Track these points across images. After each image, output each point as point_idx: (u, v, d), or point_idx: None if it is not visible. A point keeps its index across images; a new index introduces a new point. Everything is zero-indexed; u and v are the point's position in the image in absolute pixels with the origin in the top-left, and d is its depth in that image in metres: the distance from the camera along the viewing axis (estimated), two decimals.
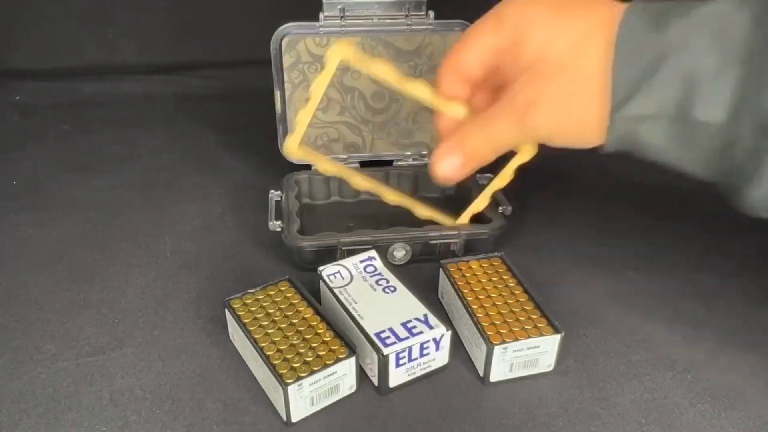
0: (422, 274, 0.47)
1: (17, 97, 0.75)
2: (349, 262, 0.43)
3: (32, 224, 0.52)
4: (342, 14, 0.51)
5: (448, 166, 0.38)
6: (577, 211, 0.55)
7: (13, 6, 0.77)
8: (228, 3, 0.80)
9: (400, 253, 0.47)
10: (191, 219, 0.54)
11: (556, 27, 0.33)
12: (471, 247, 0.48)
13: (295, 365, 0.35)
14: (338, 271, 0.42)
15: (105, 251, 0.49)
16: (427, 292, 0.45)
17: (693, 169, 0.32)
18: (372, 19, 0.52)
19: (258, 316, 0.39)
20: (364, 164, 0.57)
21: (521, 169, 0.42)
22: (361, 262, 0.43)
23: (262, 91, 0.58)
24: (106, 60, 0.80)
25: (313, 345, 0.37)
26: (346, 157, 0.57)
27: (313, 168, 0.56)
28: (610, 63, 0.31)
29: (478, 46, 0.37)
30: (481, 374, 0.38)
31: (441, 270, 0.44)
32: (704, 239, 0.51)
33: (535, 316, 0.39)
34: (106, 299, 0.45)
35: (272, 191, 0.52)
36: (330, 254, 0.47)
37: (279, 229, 0.48)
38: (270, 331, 0.38)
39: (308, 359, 0.36)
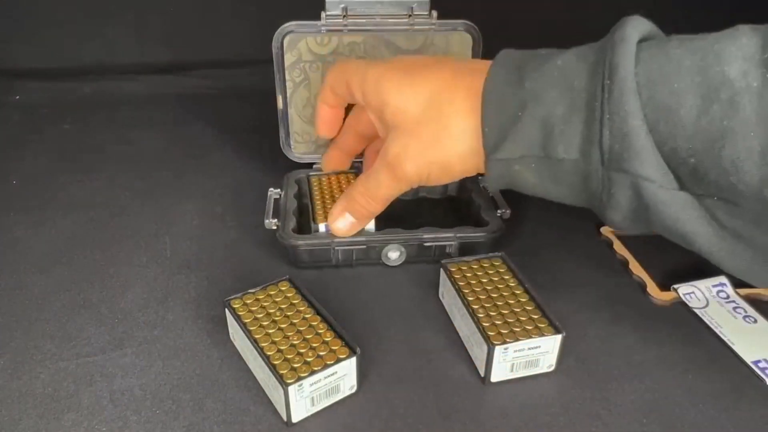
0: (422, 274, 0.47)
1: (17, 97, 0.75)
2: None
3: (32, 224, 0.52)
4: (344, 13, 0.51)
5: (343, 225, 0.46)
6: (577, 211, 0.55)
7: (13, 6, 0.77)
8: (228, 3, 0.80)
9: (394, 254, 0.47)
10: (191, 219, 0.54)
11: (407, 90, 0.40)
12: (467, 250, 0.48)
13: (295, 365, 0.35)
14: None
15: (105, 251, 0.49)
16: (428, 292, 0.45)
17: (563, 200, 0.37)
18: (374, 18, 0.52)
19: (258, 316, 0.39)
20: None
21: None
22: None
23: (262, 91, 0.58)
24: (106, 60, 0.80)
25: (314, 345, 0.36)
26: None
27: (315, 167, 0.56)
28: (463, 111, 0.37)
29: (351, 130, 0.49)
30: (482, 374, 0.38)
31: (441, 270, 0.44)
32: None
33: (536, 316, 0.39)
34: (106, 299, 0.44)
35: (271, 189, 0.52)
36: (324, 254, 0.46)
37: (275, 228, 0.48)
38: (270, 331, 0.38)
39: (309, 359, 0.36)
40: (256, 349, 0.36)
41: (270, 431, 0.35)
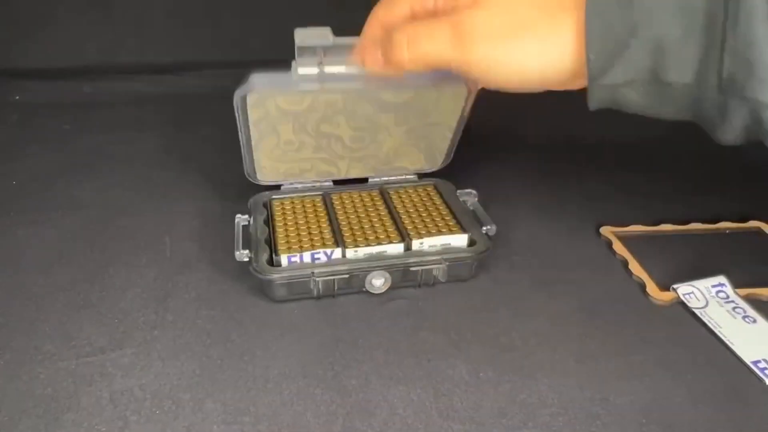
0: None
1: (17, 97, 0.75)
2: None
3: (32, 224, 0.52)
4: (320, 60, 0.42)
5: (370, 60, 0.39)
6: (576, 212, 0.55)
7: (14, 6, 0.77)
8: (228, 3, 0.80)
9: (379, 281, 0.44)
10: (191, 219, 0.54)
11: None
12: (455, 272, 0.45)
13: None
14: None
15: (105, 251, 0.49)
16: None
17: (671, 118, 0.35)
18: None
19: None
20: (337, 183, 0.53)
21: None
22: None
23: None
24: (106, 60, 0.80)
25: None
26: (320, 180, 0.53)
27: (282, 188, 0.52)
28: (561, 19, 0.33)
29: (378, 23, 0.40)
30: None
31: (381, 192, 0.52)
32: (703, 236, 0.51)
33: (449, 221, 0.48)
34: (106, 299, 0.44)
35: (239, 215, 0.49)
36: (303, 286, 0.43)
37: (246, 260, 0.44)
38: None
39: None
40: None
41: (270, 431, 0.35)
